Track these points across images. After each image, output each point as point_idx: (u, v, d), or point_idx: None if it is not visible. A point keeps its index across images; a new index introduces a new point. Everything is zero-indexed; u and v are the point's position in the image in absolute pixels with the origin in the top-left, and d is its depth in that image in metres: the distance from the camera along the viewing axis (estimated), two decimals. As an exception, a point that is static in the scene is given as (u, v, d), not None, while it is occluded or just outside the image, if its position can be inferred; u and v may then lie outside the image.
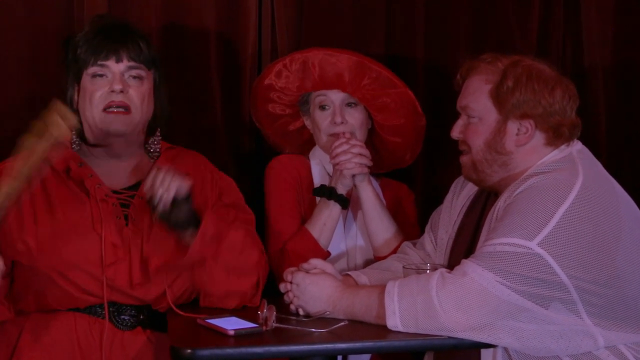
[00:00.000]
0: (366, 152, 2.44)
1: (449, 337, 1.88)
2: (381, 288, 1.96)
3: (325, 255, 2.43)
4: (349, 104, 2.51)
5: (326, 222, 2.43)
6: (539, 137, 2.06)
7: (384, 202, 2.53)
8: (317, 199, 2.49)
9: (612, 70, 2.96)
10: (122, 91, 2.13)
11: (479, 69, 2.10)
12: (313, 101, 2.53)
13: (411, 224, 2.59)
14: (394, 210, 2.57)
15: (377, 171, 2.60)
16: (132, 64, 2.17)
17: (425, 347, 2.08)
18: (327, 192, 2.43)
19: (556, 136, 2.05)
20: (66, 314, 2.11)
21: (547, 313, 1.88)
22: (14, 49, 2.65)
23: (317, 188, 2.49)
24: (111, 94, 2.13)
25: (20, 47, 2.66)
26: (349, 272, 2.25)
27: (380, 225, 2.46)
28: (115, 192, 2.18)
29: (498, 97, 2.05)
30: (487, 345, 1.90)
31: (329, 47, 2.50)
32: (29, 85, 2.66)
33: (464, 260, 1.93)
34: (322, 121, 2.51)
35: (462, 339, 1.88)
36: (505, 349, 1.95)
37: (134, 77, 2.17)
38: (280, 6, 2.79)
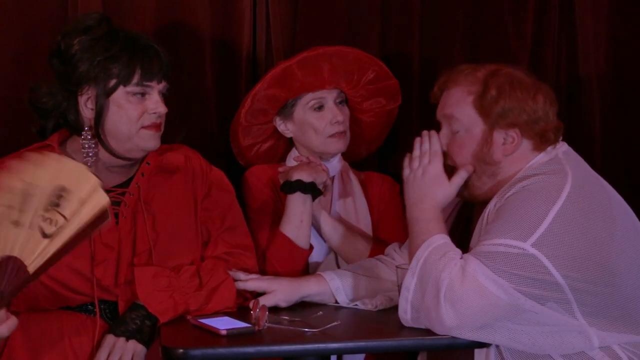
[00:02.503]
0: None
1: (442, 337, 1.87)
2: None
3: (307, 252, 2.42)
4: (340, 102, 2.52)
5: (302, 218, 2.40)
6: (525, 144, 2.05)
7: (365, 202, 2.55)
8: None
9: (606, 75, 2.96)
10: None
11: (458, 80, 2.09)
12: (304, 103, 2.51)
13: (398, 217, 2.57)
14: (379, 204, 2.57)
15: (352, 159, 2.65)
16: (165, 83, 2.20)
17: (418, 347, 2.08)
18: (306, 187, 2.39)
19: (542, 141, 2.05)
20: (57, 312, 2.11)
21: (542, 313, 1.88)
22: (7, 48, 2.64)
23: (289, 183, 2.42)
24: (152, 115, 2.16)
25: (13, 46, 2.65)
26: (320, 273, 2.24)
27: (344, 241, 2.47)
28: (105, 191, 2.16)
29: (482, 107, 2.04)
30: (481, 345, 1.89)
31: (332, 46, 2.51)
32: (22, 84, 2.63)
33: (463, 255, 1.93)
34: (320, 122, 2.50)
35: (455, 339, 1.87)
36: (498, 349, 1.95)
37: (163, 94, 2.21)
38: (274, 6, 2.78)
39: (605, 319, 1.92)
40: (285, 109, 2.54)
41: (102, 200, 1.83)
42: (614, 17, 2.95)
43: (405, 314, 1.93)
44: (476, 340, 1.87)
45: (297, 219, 2.40)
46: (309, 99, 2.50)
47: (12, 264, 1.79)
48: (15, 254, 1.80)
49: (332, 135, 2.50)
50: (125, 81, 2.13)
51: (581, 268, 1.88)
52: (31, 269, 1.80)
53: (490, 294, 1.85)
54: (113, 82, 2.12)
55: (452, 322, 1.85)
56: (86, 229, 1.83)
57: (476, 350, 1.97)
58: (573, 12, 2.94)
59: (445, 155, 2.11)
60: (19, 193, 1.81)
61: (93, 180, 1.83)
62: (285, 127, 2.56)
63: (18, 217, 1.81)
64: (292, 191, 2.41)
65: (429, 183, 2.05)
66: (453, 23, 2.90)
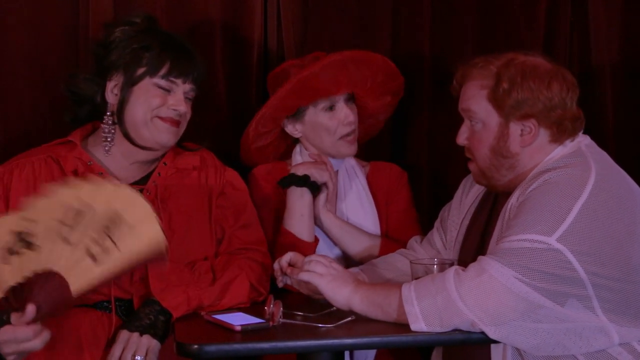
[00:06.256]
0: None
1: (458, 332, 1.87)
2: (397, 291, 1.93)
3: (313, 245, 2.42)
4: (349, 100, 2.52)
5: (303, 212, 2.41)
6: (543, 135, 2.04)
7: (370, 197, 2.55)
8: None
9: (619, 66, 2.95)
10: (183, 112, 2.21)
11: (472, 75, 2.09)
12: (316, 105, 2.49)
13: (406, 209, 2.58)
14: (387, 196, 2.56)
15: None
16: (193, 86, 2.23)
17: (433, 342, 2.07)
18: (299, 180, 2.41)
19: (560, 131, 2.04)
20: (73, 309, 2.10)
21: (563, 310, 1.87)
22: (20, 46, 2.65)
23: (285, 178, 2.44)
24: (171, 111, 2.19)
25: (26, 44, 2.65)
26: (349, 270, 2.24)
27: (353, 241, 2.47)
28: None
29: (496, 100, 2.03)
30: (496, 340, 1.88)
31: (357, 50, 2.51)
32: (35, 83, 2.66)
33: (481, 257, 1.91)
34: (332, 122, 2.49)
35: (470, 334, 1.87)
36: (515, 345, 1.94)
37: (189, 97, 2.24)
38: (285, 2, 2.78)
39: (625, 315, 1.91)
40: (296, 112, 2.53)
41: (156, 234, 1.83)
42: (626, 7, 2.93)
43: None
44: (497, 340, 1.86)
45: (298, 213, 2.41)
46: (321, 102, 2.49)
47: (55, 280, 1.80)
48: (59, 270, 1.81)
49: (343, 138, 2.50)
50: (152, 72, 2.17)
51: (604, 263, 1.87)
52: (73, 289, 1.81)
53: (506, 290, 1.84)
54: (141, 71, 2.17)
55: (477, 317, 1.84)
56: (137, 260, 1.83)
57: (492, 347, 1.96)
58: (585, 3, 2.92)
59: (466, 148, 2.13)
60: (74, 212, 1.83)
61: (145, 207, 1.84)
62: (294, 128, 2.55)
63: (68, 235, 1.82)
64: (286, 185, 2.43)
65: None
66: (464, 17, 2.89)
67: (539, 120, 2.02)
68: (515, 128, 2.04)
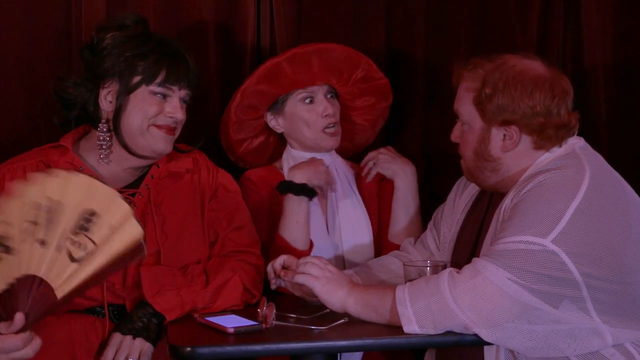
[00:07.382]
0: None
1: (451, 334, 1.87)
2: (392, 292, 1.93)
3: (306, 253, 2.41)
4: (330, 96, 2.53)
5: (299, 219, 2.41)
6: (525, 141, 2.04)
7: (361, 200, 2.55)
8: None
9: (612, 67, 2.95)
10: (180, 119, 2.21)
11: (463, 76, 2.10)
12: (295, 97, 2.51)
13: None
14: (378, 199, 2.57)
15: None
16: (188, 91, 2.23)
17: (426, 344, 2.06)
18: (297, 188, 2.41)
19: (542, 139, 2.03)
20: (65, 314, 2.11)
21: (557, 312, 1.87)
22: (12, 48, 2.65)
23: (282, 184, 2.44)
24: (168, 118, 2.19)
25: (18, 46, 2.66)
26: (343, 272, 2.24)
27: (405, 213, 2.49)
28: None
29: (479, 105, 2.04)
30: (490, 342, 1.88)
31: (324, 42, 2.53)
32: (27, 83, 2.66)
33: (475, 259, 1.92)
34: (311, 115, 2.50)
35: (463, 336, 1.87)
36: (509, 346, 1.94)
37: (185, 101, 2.23)
38: (278, 4, 2.78)
39: (619, 316, 1.92)
40: (276, 105, 2.54)
41: (135, 230, 1.80)
42: (619, 10, 2.93)
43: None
44: (491, 342, 1.86)
45: (293, 220, 2.41)
46: (299, 93, 2.51)
47: (38, 285, 1.77)
48: (41, 275, 1.77)
49: (324, 131, 2.50)
50: (148, 80, 2.16)
51: (599, 265, 1.87)
52: (59, 293, 1.78)
53: (500, 291, 1.84)
54: (137, 79, 2.16)
55: (470, 320, 1.84)
56: (120, 259, 1.80)
57: (485, 348, 1.96)
58: (578, 7, 2.93)
59: (459, 146, 2.14)
60: (44, 210, 1.78)
61: (125, 208, 1.81)
62: (276, 123, 2.56)
63: (44, 236, 1.78)
64: (284, 192, 2.42)
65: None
66: (458, 17, 2.89)
67: (520, 127, 2.02)
68: (497, 133, 2.04)
